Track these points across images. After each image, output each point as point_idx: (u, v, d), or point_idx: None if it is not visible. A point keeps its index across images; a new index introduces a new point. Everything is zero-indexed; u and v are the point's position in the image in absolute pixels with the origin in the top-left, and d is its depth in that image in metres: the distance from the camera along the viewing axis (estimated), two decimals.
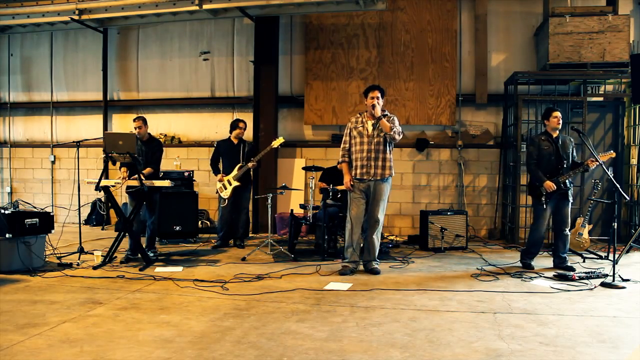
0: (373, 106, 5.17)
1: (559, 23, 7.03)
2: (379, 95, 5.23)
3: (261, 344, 3.24)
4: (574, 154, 5.60)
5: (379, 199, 5.24)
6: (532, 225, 5.72)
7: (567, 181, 5.41)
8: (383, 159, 5.22)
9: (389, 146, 5.28)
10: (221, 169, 6.86)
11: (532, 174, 5.57)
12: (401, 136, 5.29)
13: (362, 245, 5.39)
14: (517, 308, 4.06)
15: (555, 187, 5.34)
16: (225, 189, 6.68)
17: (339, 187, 5.85)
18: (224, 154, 6.87)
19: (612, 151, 5.60)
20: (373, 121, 5.25)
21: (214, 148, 7.14)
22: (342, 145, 5.46)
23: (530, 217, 7.61)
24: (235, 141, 6.84)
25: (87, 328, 3.54)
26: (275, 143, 6.75)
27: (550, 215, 5.54)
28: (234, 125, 6.88)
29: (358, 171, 5.25)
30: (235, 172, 6.67)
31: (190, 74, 8.93)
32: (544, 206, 5.40)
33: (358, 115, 5.43)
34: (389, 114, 5.29)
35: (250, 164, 6.61)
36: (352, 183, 5.29)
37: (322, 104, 8.26)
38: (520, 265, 5.63)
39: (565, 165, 5.43)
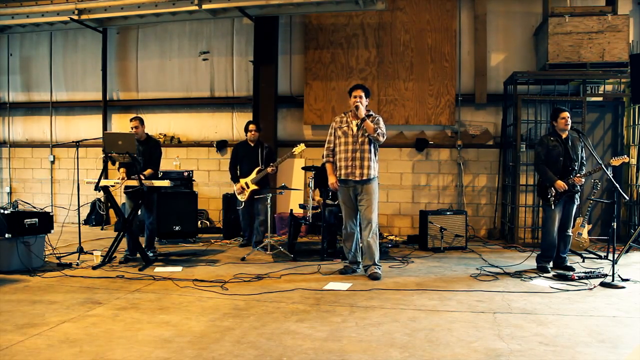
0: (357, 107, 5.08)
1: (558, 23, 7.03)
2: (362, 94, 5.13)
3: (261, 344, 3.24)
4: (584, 154, 5.43)
5: (368, 199, 5.12)
6: (543, 227, 5.64)
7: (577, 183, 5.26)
8: (368, 158, 5.11)
9: (374, 147, 5.19)
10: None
11: (542, 175, 5.43)
12: (385, 138, 5.19)
13: (361, 245, 5.36)
14: (517, 308, 4.06)
15: (567, 187, 5.22)
16: (243, 191, 6.69)
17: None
18: (243, 158, 6.84)
19: (625, 155, 5.45)
20: (357, 121, 5.16)
21: (231, 151, 7.14)
22: (326, 145, 5.36)
23: (530, 217, 7.71)
24: (252, 144, 6.83)
25: (87, 328, 3.54)
26: (297, 150, 6.56)
27: (559, 216, 5.38)
28: (245, 128, 6.90)
29: (342, 172, 5.16)
30: (253, 175, 6.66)
31: (190, 74, 8.92)
32: (552, 207, 5.29)
33: (343, 115, 5.33)
34: (373, 115, 5.19)
35: (269, 169, 6.58)
36: (337, 185, 5.22)
37: (322, 103, 8.26)
38: (536, 267, 5.50)
39: (575, 167, 5.31)
